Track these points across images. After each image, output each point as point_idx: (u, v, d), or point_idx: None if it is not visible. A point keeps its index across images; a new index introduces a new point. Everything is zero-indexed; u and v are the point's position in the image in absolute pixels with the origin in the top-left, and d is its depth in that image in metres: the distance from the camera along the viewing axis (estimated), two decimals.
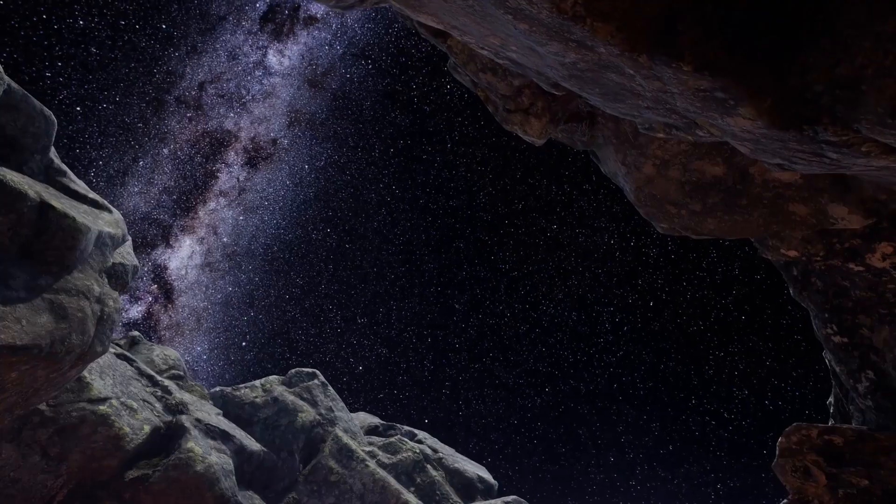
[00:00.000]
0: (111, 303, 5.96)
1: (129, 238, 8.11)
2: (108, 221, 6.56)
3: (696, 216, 6.94)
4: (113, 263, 7.26)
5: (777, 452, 7.00)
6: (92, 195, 6.78)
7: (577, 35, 2.71)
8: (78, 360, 5.44)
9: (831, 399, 8.41)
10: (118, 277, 7.38)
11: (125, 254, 7.73)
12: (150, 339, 13.01)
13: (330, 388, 14.77)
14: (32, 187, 5.03)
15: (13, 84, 5.24)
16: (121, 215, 7.42)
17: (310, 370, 14.52)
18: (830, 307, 7.30)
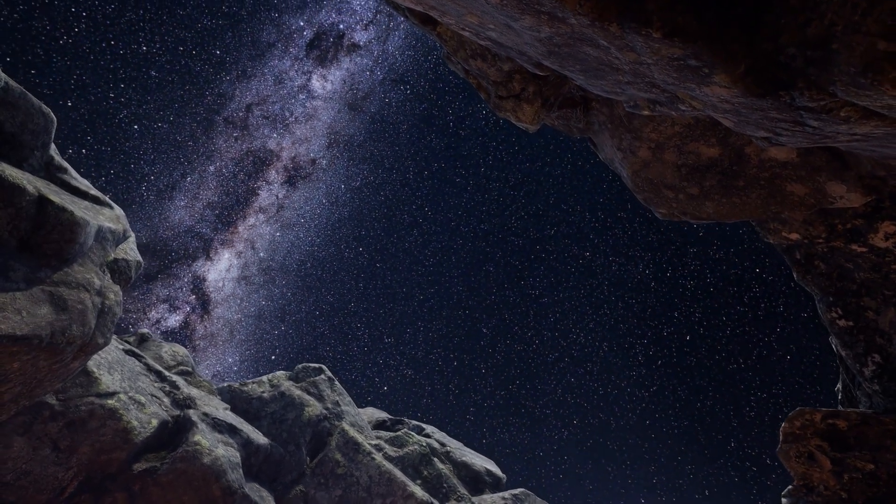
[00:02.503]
0: (112, 296, 6.07)
1: (132, 234, 8.23)
2: (108, 217, 6.68)
3: (694, 200, 6.85)
4: (115, 259, 7.39)
5: (781, 438, 6.90)
6: (93, 192, 6.90)
7: (547, 6, 2.69)
8: (80, 351, 5.55)
9: (839, 385, 8.27)
10: (121, 273, 7.50)
11: (128, 250, 7.86)
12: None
13: (337, 383, 14.87)
14: (31, 182, 5.13)
15: (11, 82, 5.35)
16: (122, 212, 7.53)
17: (316, 365, 14.63)
18: (834, 290, 7.17)
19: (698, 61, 2.68)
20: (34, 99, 5.63)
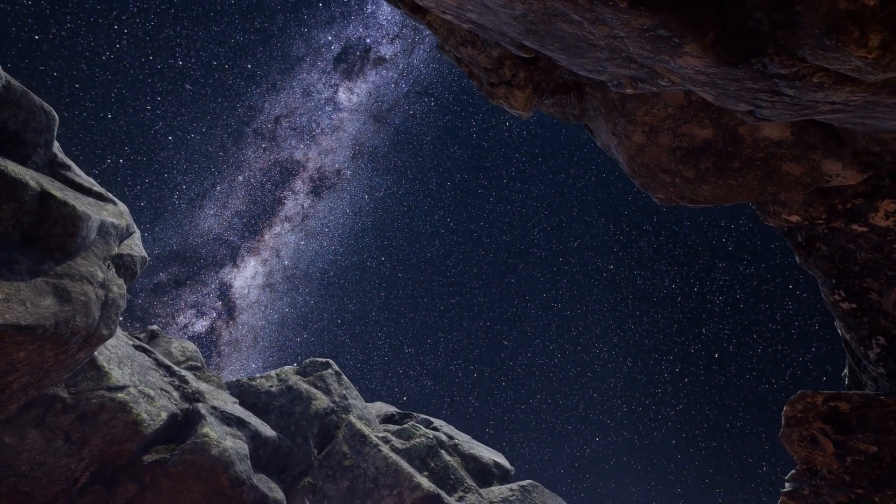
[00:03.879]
0: (116, 288, 6.22)
1: (137, 231, 8.41)
2: (111, 212, 6.83)
3: (691, 183, 6.80)
4: (121, 254, 7.55)
5: (783, 422, 6.84)
6: (97, 188, 7.07)
7: None
8: (85, 342, 5.71)
9: (846, 371, 8.16)
10: (126, 268, 7.67)
11: (133, 245, 8.03)
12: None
13: (344, 377, 15.01)
14: (33, 177, 5.28)
15: (13, 81, 5.50)
16: (126, 208, 7.70)
17: (323, 360, 14.78)
18: (837, 272, 7.08)
19: (667, 31, 2.68)
20: (35, 97, 5.79)
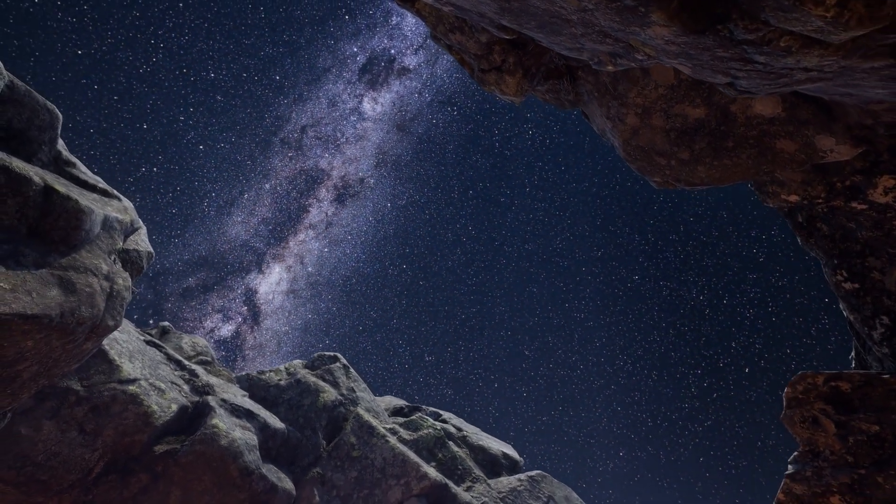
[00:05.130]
0: (120, 281, 6.41)
1: (143, 226, 8.61)
2: (116, 208, 7.03)
3: (686, 165, 6.77)
4: (126, 249, 7.75)
5: (784, 403, 6.79)
6: (102, 185, 7.27)
7: None
8: (91, 332, 5.90)
9: (852, 354, 8.06)
10: (133, 263, 7.86)
11: (139, 241, 8.23)
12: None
13: (352, 370, 15.18)
14: (37, 173, 5.47)
15: (16, 80, 5.70)
16: (130, 204, 7.90)
17: (331, 354, 14.96)
18: (839, 252, 7.00)
19: (634, 0, 2.69)
20: (39, 96, 5.98)
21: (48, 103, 6.09)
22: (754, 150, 5.83)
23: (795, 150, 5.51)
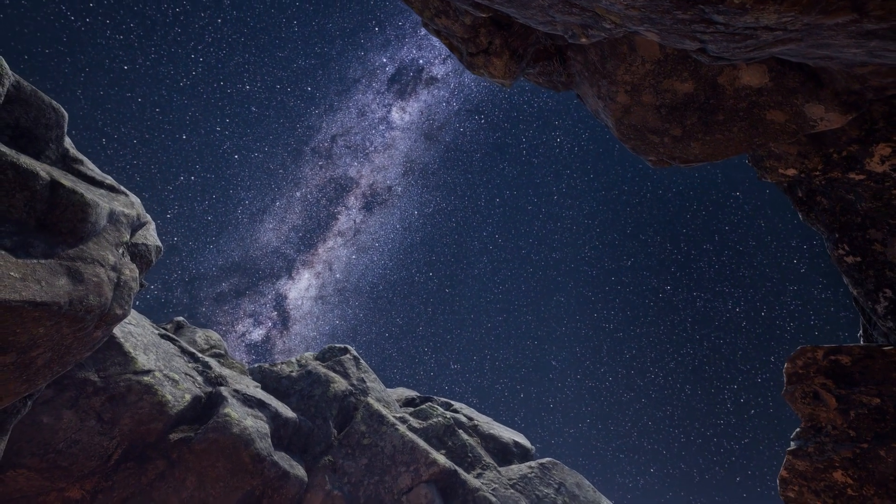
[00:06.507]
0: (127, 272, 6.66)
1: (151, 221, 8.88)
2: (123, 203, 7.29)
3: (679, 142, 6.72)
4: (135, 243, 8.02)
5: (784, 379, 6.72)
6: (109, 181, 7.54)
7: None
8: (100, 321, 6.16)
9: (860, 332, 7.92)
10: (142, 256, 8.14)
11: (148, 235, 8.50)
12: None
13: (363, 362, 15.40)
14: (44, 168, 5.72)
15: (22, 81, 5.95)
16: (137, 199, 8.17)
17: (341, 346, 15.19)
18: (839, 225, 6.89)
19: None
20: (45, 96, 6.23)
21: (53, 102, 6.34)
22: (745, 122, 5.77)
23: (786, 120, 5.44)
